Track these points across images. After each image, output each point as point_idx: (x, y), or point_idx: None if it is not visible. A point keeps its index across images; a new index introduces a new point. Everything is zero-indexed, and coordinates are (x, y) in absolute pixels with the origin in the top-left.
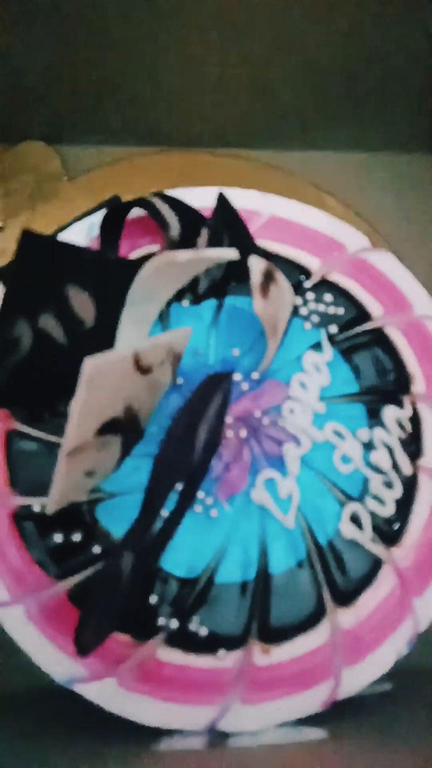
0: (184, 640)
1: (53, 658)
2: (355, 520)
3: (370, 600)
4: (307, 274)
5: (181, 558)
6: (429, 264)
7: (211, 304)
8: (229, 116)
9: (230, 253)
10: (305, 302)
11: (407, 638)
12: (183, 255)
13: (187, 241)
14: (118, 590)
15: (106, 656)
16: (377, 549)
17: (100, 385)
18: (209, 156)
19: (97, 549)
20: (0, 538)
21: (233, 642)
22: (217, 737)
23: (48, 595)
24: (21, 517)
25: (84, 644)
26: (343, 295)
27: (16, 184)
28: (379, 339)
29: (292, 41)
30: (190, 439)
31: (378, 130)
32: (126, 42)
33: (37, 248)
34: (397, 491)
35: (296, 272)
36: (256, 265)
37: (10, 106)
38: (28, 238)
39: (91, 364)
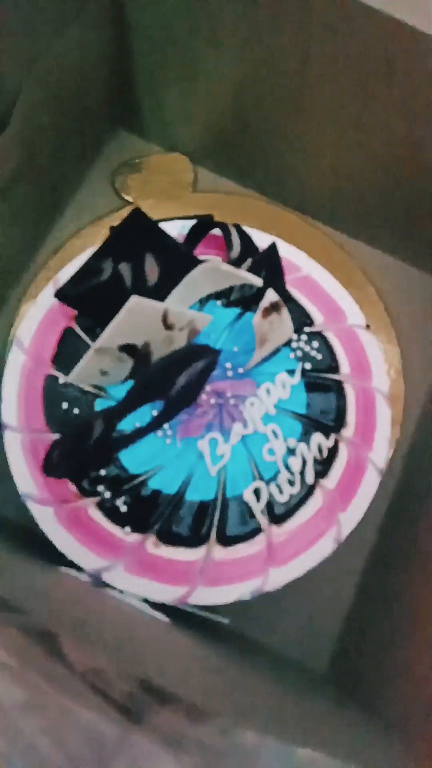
0: (108, 509)
1: (24, 477)
2: (257, 493)
3: (241, 550)
4: (311, 323)
5: (134, 458)
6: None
7: (235, 311)
8: (326, 198)
9: (256, 280)
10: (299, 339)
11: (252, 590)
12: (225, 267)
13: (239, 262)
14: (86, 444)
15: (54, 493)
16: (262, 520)
17: (135, 316)
18: (297, 218)
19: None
20: (31, 388)
21: (138, 527)
22: (98, 582)
23: (41, 437)
24: (50, 381)
25: (49, 466)
26: (327, 348)
27: (155, 178)
28: (337, 388)
29: (390, 160)
30: (170, 378)
31: None
32: (278, 118)
33: (140, 222)
34: (296, 490)
35: (304, 317)
36: (269, 295)
37: (177, 125)
38: (137, 213)
39: (135, 299)
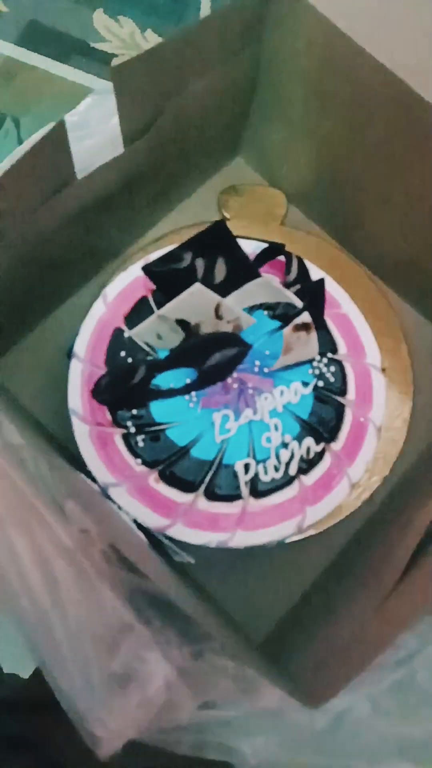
0: (129, 441)
1: (76, 397)
2: (247, 468)
3: (220, 507)
4: (335, 351)
5: (161, 409)
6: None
7: (276, 323)
8: (391, 261)
9: (297, 302)
10: (320, 361)
11: (219, 541)
12: (276, 284)
13: (291, 286)
14: (128, 383)
15: (94, 415)
16: (244, 490)
17: (194, 298)
18: (358, 268)
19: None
20: (102, 333)
21: (147, 462)
22: (104, 494)
23: (97, 372)
24: (117, 332)
25: (97, 391)
26: (341, 374)
27: (253, 205)
28: (339, 409)
29: None
30: (206, 352)
31: None
32: (363, 186)
33: (222, 232)
34: (278, 475)
35: (330, 345)
36: (304, 317)
37: (282, 168)
38: (221, 224)
39: (197, 286)
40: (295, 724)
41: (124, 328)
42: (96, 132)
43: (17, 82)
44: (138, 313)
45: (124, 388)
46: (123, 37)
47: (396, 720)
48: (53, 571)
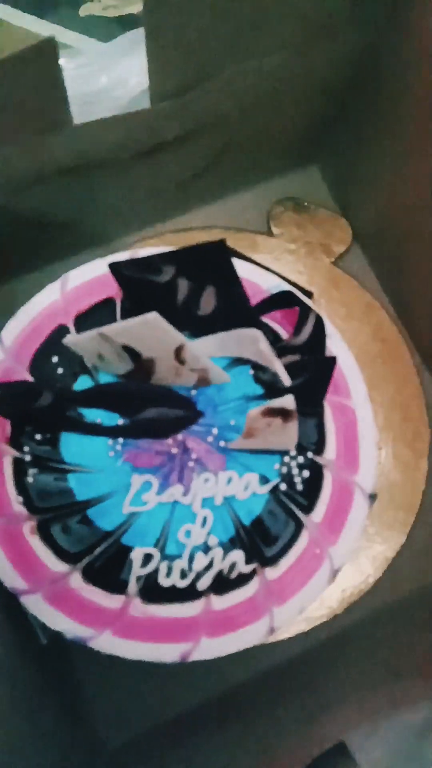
0: (18, 470)
1: None
2: (147, 559)
3: (97, 596)
4: (319, 453)
5: (72, 447)
6: None
7: (258, 390)
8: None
9: (284, 378)
10: (295, 457)
11: (77, 634)
12: (263, 345)
13: (291, 351)
14: (35, 401)
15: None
16: (132, 587)
17: (148, 330)
18: (408, 358)
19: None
20: (42, 326)
21: (30, 506)
22: None
23: (18, 370)
24: (60, 330)
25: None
26: (315, 486)
27: (310, 229)
28: (296, 527)
29: None
30: (140, 403)
31: None
32: None
33: (221, 256)
34: (181, 584)
35: (318, 443)
36: (286, 401)
37: (359, 201)
38: (222, 246)
39: (155, 316)
40: None
41: (71, 328)
42: (110, 75)
43: None
44: (95, 315)
45: (31, 405)
46: None
47: None
48: None
